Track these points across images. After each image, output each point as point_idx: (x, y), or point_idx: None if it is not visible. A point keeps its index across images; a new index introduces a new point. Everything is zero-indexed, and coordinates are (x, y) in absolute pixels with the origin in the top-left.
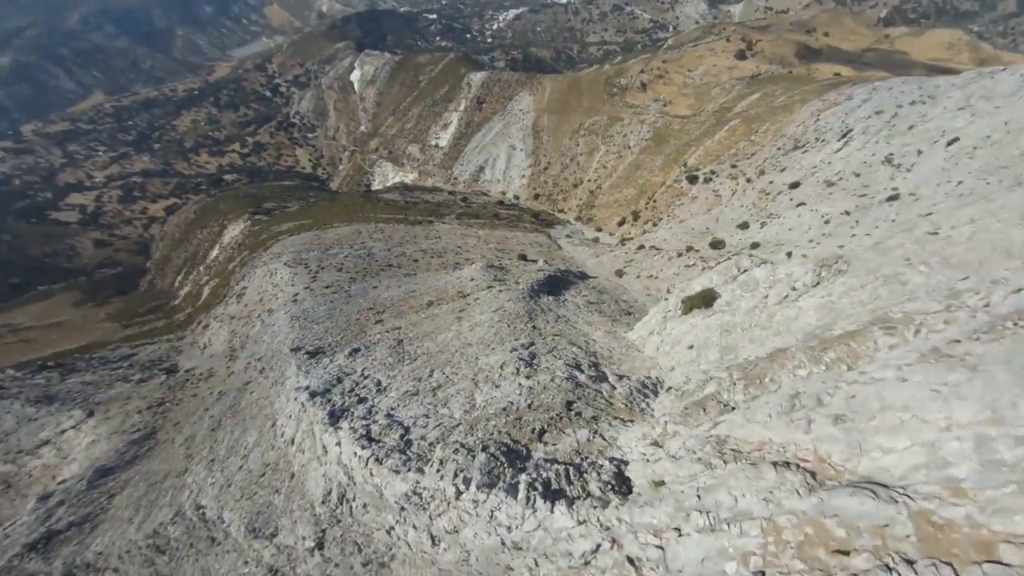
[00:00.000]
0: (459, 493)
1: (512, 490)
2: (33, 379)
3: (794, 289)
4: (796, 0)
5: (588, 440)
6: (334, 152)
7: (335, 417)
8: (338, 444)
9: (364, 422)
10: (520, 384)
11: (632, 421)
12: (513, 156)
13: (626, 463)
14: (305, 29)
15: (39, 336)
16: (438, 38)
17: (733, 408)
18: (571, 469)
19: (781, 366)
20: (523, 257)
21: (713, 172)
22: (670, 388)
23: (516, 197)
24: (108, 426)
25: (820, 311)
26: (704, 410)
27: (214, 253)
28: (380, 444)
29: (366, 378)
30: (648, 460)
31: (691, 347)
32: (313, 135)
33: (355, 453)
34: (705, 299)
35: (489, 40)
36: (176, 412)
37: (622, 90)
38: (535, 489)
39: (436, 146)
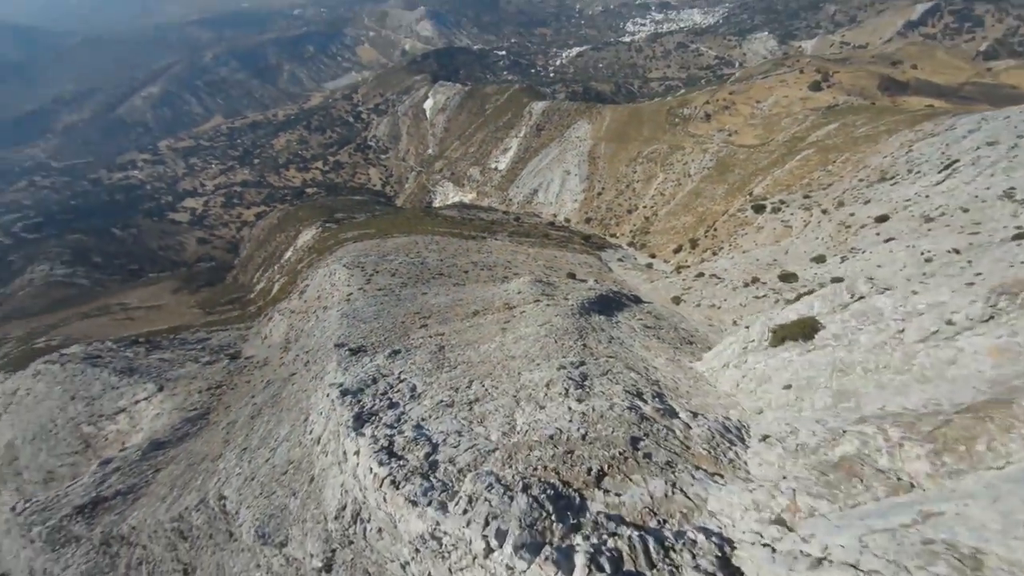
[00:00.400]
0: (489, 550)
1: (564, 561)
2: (124, 352)
3: (949, 324)
4: (876, 35)
5: (665, 495)
6: (402, 172)
7: (360, 421)
8: (357, 453)
9: (389, 431)
10: (570, 408)
11: (721, 475)
12: (567, 181)
13: (731, 543)
14: (389, 65)
15: (142, 315)
16: (505, 72)
17: (913, 485)
18: (650, 540)
19: (1005, 428)
20: (572, 276)
21: (782, 202)
22: (767, 437)
23: (567, 220)
24: (172, 402)
25: (1000, 355)
26: (862, 482)
27: (288, 254)
28: (401, 462)
29: (402, 381)
30: (775, 550)
31: (787, 387)
32: (386, 156)
33: (371, 469)
34: (803, 329)
35: (552, 75)
36: (229, 396)
37: (685, 120)
38: (599, 568)
39: (495, 169)
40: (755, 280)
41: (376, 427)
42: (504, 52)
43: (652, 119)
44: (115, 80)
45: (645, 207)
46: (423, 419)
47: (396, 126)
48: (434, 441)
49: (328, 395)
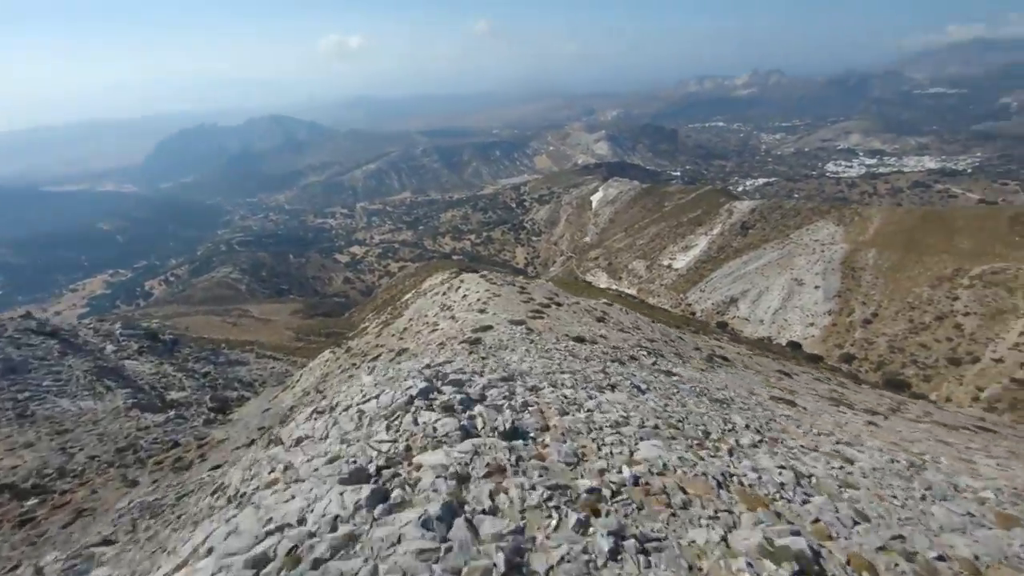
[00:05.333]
0: None
1: None
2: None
3: None
4: None
5: None
6: (551, 255)
7: None
8: None
9: None
10: None
11: None
12: (797, 293)
13: None
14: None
15: (248, 324)
16: None
17: None
18: None
19: None
20: None
21: None
22: None
23: (796, 348)
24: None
25: None
26: None
27: (407, 296)
28: None
29: None
30: None
31: None
32: (537, 239)
33: None
34: None
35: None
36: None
37: None
38: None
39: (668, 267)
40: None
41: None
42: (678, 173)
43: (977, 226)
44: (354, 158)
45: (1000, 360)
46: None
47: (556, 212)
48: None
49: None
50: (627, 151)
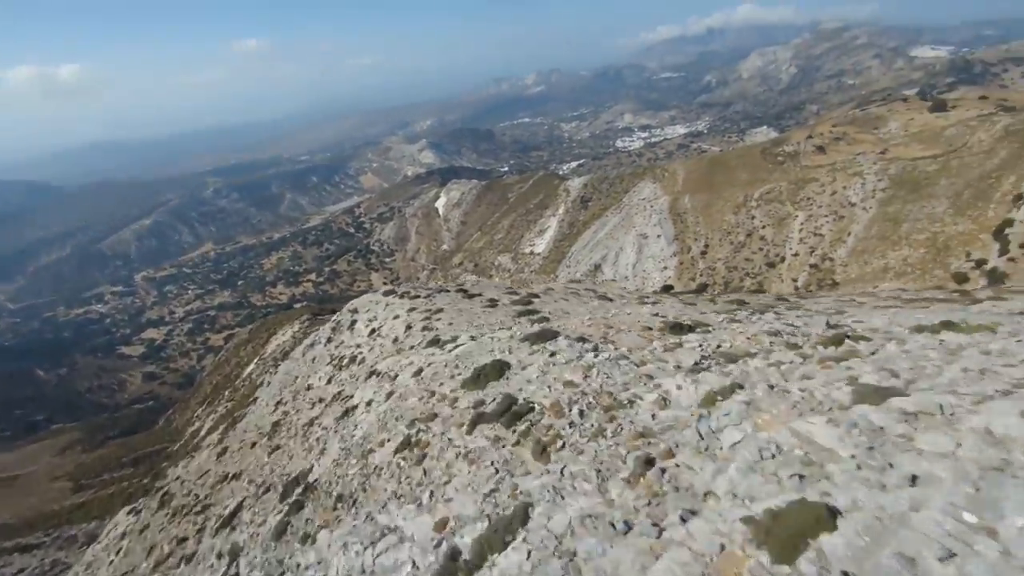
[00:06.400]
0: None
1: None
2: None
3: None
4: None
5: None
6: (412, 272)
7: None
8: None
9: None
10: None
11: None
12: (646, 246)
13: None
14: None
15: None
16: None
17: None
18: None
19: None
20: None
21: None
22: None
23: (666, 291)
24: None
25: None
26: None
27: (249, 370)
28: None
29: None
30: None
31: None
32: (391, 259)
33: None
34: None
35: None
36: None
37: (791, 156)
38: None
39: (531, 253)
40: None
41: None
42: (506, 168)
43: (744, 163)
44: (115, 217)
45: (796, 254)
46: None
47: (404, 227)
48: None
49: None
50: (452, 155)
